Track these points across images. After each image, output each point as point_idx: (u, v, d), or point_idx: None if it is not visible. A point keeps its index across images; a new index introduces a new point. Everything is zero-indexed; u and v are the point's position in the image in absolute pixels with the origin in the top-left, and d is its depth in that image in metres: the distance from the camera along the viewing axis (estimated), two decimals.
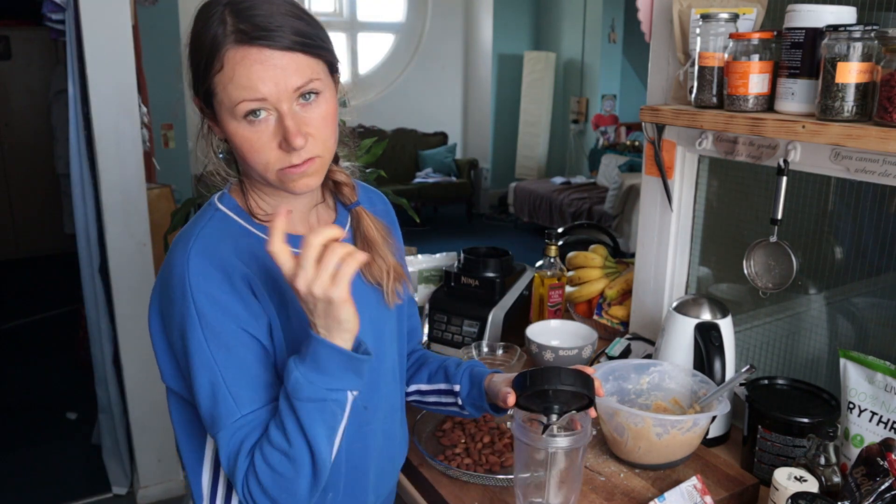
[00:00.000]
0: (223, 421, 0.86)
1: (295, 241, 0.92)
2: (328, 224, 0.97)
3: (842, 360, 1.18)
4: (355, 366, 0.84)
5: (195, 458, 0.99)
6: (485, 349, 1.56)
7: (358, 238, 1.03)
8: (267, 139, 0.86)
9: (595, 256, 1.90)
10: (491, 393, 1.09)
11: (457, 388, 1.14)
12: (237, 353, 0.87)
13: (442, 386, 1.17)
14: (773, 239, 1.27)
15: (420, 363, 1.22)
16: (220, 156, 0.94)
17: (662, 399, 1.30)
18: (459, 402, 1.14)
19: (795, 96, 1.15)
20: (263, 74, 0.82)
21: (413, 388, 1.21)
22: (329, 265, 0.78)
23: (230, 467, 0.87)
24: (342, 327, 0.81)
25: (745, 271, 1.31)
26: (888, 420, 1.12)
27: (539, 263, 1.79)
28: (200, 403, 0.87)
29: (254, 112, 0.84)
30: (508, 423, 1.34)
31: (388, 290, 1.04)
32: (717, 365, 1.28)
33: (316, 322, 0.82)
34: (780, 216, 1.25)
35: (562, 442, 1.02)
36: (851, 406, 1.16)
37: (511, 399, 1.01)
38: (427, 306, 1.74)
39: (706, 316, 1.31)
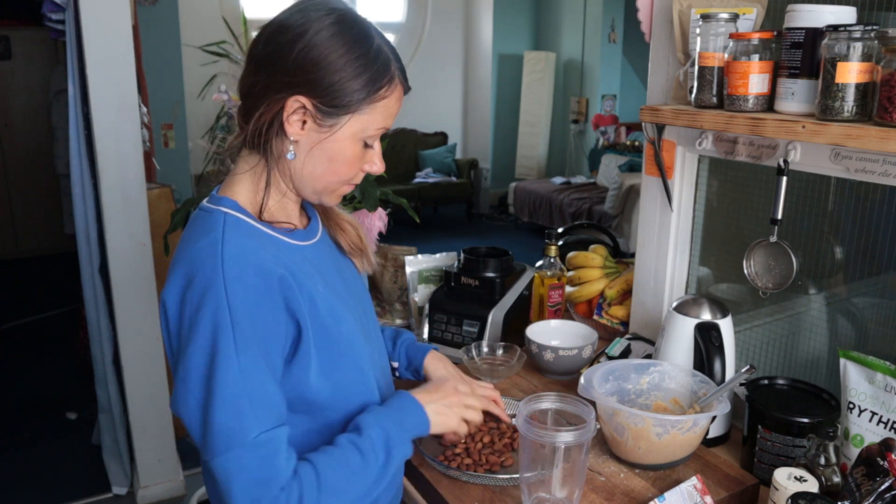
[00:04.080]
0: (240, 437, 0.84)
1: (300, 234, 1.02)
2: (301, 216, 1.08)
3: (842, 360, 1.18)
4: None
5: None
6: (485, 349, 1.56)
7: (324, 216, 1.12)
8: (361, 161, 0.99)
9: (595, 256, 1.90)
10: (429, 371, 1.26)
11: (395, 364, 1.30)
12: (263, 367, 0.87)
13: None
14: (773, 239, 1.27)
15: None
16: (290, 156, 0.95)
17: (662, 399, 1.30)
18: (397, 374, 1.31)
19: (795, 96, 1.15)
20: (397, 113, 0.99)
21: None
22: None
23: (255, 489, 0.84)
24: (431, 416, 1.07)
25: (745, 271, 1.31)
26: (888, 420, 1.12)
27: (539, 263, 1.79)
28: (215, 418, 0.84)
29: (375, 138, 0.98)
30: (513, 420, 1.34)
31: (365, 255, 1.15)
32: (717, 365, 1.28)
33: (430, 399, 1.08)
34: (780, 216, 1.25)
35: (567, 436, 1.02)
36: (851, 406, 1.16)
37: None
38: (427, 306, 1.74)
39: (706, 316, 1.31)
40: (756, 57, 1.18)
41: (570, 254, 1.95)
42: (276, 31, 0.92)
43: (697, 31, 1.28)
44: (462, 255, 1.76)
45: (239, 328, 0.85)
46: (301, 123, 0.93)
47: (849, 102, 1.05)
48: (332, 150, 0.94)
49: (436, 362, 1.27)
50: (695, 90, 1.30)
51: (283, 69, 0.91)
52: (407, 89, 0.99)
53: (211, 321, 0.84)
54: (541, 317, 1.77)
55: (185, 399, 0.87)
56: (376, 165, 1.01)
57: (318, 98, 0.91)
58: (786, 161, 1.23)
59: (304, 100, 0.91)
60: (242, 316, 0.85)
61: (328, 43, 0.90)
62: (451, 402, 1.11)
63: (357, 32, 0.92)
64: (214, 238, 0.89)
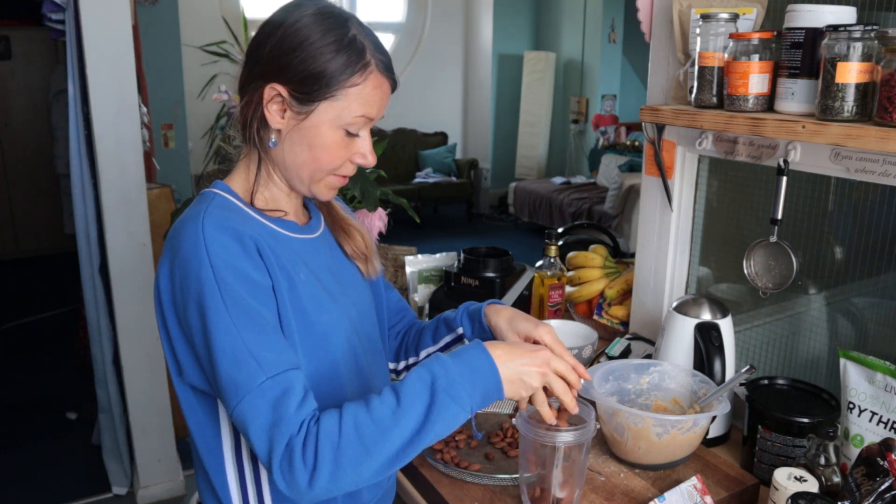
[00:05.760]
0: (248, 386, 0.85)
1: (292, 226, 1.02)
2: (302, 213, 1.08)
3: (842, 360, 1.18)
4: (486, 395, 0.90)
5: (216, 457, 0.99)
6: None
7: (330, 219, 1.13)
8: (347, 150, 0.98)
9: (595, 256, 1.90)
10: (495, 328, 1.13)
11: (460, 330, 1.20)
12: (256, 317, 0.89)
13: (447, 338, 1.22)
14: (773, 239, 1.27)
15: (419, 330, 1.26)
16: (272, 144, 0.98)
17: (662, 399, 1.30)
18: (466, 343, 1.15)
19: (795, 96, 1.15)
20: (381, 104, 0.98)
21: (423, 353, 1.23)
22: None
23: (269, 433, 0.84)
24: (510, 378, 0.91)
25: (745, 271, 1.31)
26: (888, 420, 1.12)
27: (539, 263, 1.79)
28: (220, 372, 0.86)
29: (358, 126, 0.97)
30: (513, 420, 1.34)
31: (370, 261, 1.14)
32: (717, 365, 1.28)
33: (509, 358, 0.92)
34: (780, 216, 1.25)
35: (567, 436, 1.02)
36: (851, 406, 1.16)
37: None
38: (427, 306, 1.74)
39: (706, 316, 1.31)
40: (756, 57, 1.18)
41: (570, 254, 1.95)
42: (261, 27, 0.97)
43: (697, 31, 1.28)
44: (462, 255, 1.76)
45: (224, 284, 0.87)
46: (281, 112, 0.95)
47: (849, 102, 1.05)
48: (310, 137, 0.96)
49: (499, 309, 1.15)
50: (695, 90, 1.30)
51: (261, 59, 0.95)
52: (392, 82, 0.99)
53: (197, 282, 0.88)
54: (541, 317, 1.77)
55: (200, 362, 0.91)
56: (366, 158, 1.00)
57: (292, 85, 0.93)
58: (786, 161, 1.23)
59: (279, 87, 0.94)
60: (225, 272, 0.88)
61: (302, 32, 0.93)
62: (532, 363, 0.93)
63: (332, 22, 0.94)
64: (198, 211, 0.93)
